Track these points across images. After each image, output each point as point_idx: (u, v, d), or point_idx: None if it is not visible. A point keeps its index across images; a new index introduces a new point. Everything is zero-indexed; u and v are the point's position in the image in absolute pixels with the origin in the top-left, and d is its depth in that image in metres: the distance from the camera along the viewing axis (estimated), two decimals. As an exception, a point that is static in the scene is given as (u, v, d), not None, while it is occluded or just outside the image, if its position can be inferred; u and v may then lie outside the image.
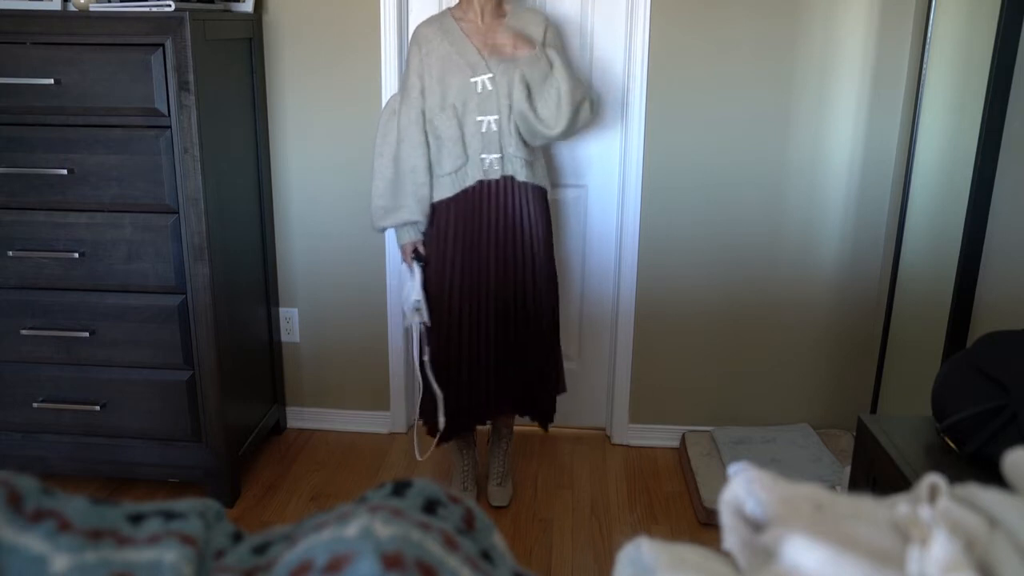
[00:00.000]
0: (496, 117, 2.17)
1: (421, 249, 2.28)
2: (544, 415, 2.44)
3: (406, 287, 2.30)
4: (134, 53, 2.12)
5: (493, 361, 2.30)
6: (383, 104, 2.62)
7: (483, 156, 2.19)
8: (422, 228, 2.27)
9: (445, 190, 2.22)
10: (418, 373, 2.35)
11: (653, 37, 2.52)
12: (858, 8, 2.47)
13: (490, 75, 2.16)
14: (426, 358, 2.31)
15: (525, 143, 2.22)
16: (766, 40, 2.50)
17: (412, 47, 2.24)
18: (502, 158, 2.20)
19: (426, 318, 2.27)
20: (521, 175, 2.23)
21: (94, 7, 2.15)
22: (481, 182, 2.21)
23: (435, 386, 2.31)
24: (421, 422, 2.43)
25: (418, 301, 2.25)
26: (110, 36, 2.11)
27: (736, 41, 2.51)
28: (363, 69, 2.62)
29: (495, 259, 2.24)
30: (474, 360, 2.29)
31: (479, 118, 2.17)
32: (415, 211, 2.23)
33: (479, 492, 2.53)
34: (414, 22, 2.63)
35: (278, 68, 2.64)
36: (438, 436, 2.35)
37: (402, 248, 2.31)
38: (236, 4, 2.50)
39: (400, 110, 2.24)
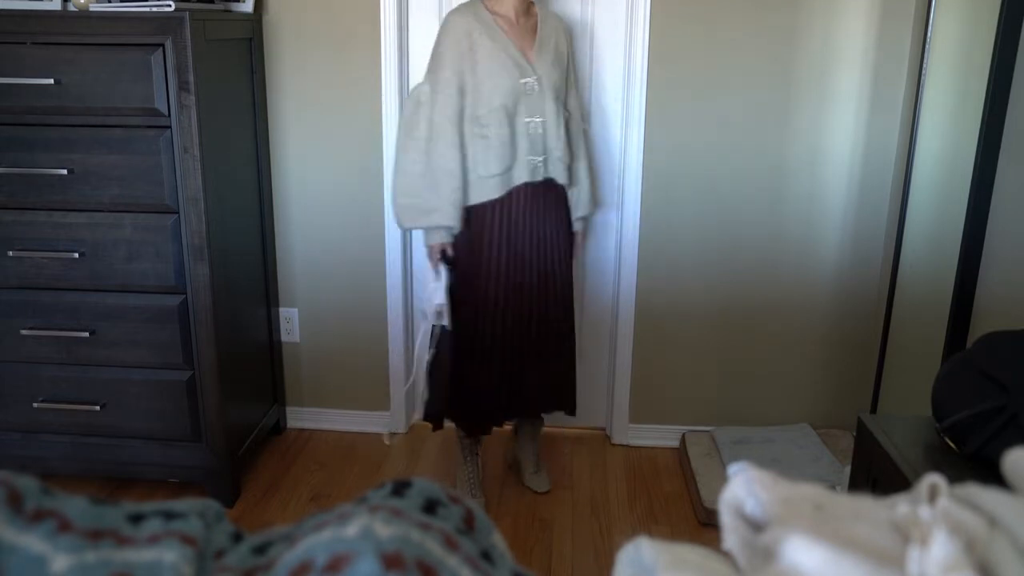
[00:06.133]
0: (542, 119, 2.17)
1: (450, 252, 2.22)
2: (570, 405, 2.47)
3: (429, 287, 2.24)
4: (134, 53, 2.12)
5: (520, 366, 2.31)
6: (383, 104, 2.62)
7: (530, 158, 2.17)
8: (455, 231, 2.20)
9: (491, 191, 2.15)
10: (424, 372, 2.35)
11: (653, 37, 2.52)
12: (858, 8, 2.46)
13: (536, 76, 2.15)
14: (427, 357, 2.32)
15: (568, 146, 2.25)
16: (766, 40, 2.50)
17: (448, 38, 2.11)
18: (546, 160, 2.20)
19: (446, 321, 2.23)
20: (562, 178, 2.24)
21: (94, 7, 2.15)
22: (526, 184, 2.19)
23: (424, 384, 2.36)
24: (424, 419, 2.44)
25: (441, 304, 2.21)
26: (110, 36, 2.11)
27: (736, 41, 2.51)
28: (363, 69, 2.62)
29: (536, 261, 2.24)
30: (506, 363, 2.28)
31: (527, 119, 2.15)
32: (451, 215, 2.13)
33: (486, 496, 2.53)
34: (414, 22, 2.63)
35: (278, 68, 2.64)
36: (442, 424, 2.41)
37: (430, 249, 2.22)
38: (236, 4, 2.50)
39: (433, 104, 2.11)
